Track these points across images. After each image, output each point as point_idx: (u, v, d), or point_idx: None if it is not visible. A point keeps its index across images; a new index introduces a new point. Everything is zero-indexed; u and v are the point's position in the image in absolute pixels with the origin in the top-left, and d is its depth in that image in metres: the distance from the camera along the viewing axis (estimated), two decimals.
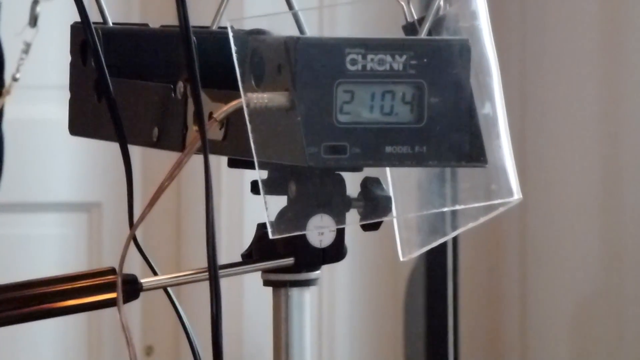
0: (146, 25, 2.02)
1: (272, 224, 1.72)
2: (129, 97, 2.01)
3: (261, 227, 1.77)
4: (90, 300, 1.76)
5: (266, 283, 1.85)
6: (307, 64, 1.72)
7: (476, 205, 1.90)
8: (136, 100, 2.00)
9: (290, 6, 1.83)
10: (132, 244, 1.70)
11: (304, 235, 1.78)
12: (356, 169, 1.86)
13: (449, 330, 3.11)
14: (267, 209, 1.67)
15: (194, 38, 1.70)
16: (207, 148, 1.66)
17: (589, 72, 3.43)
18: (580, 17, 3.48)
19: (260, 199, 1.74)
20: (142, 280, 1.76)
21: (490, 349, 3.57)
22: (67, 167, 3.04)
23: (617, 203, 3.29)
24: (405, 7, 1.89)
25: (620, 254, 3.19)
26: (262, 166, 1.73)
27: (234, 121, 1.69)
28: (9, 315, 1.87)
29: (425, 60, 1.74)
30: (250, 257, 1.86)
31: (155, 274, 1.72)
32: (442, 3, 1.89)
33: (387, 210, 1.87)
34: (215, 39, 1.84)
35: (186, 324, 1.84)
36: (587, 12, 3.48)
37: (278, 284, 1.86)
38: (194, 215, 2.44)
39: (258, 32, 1.86)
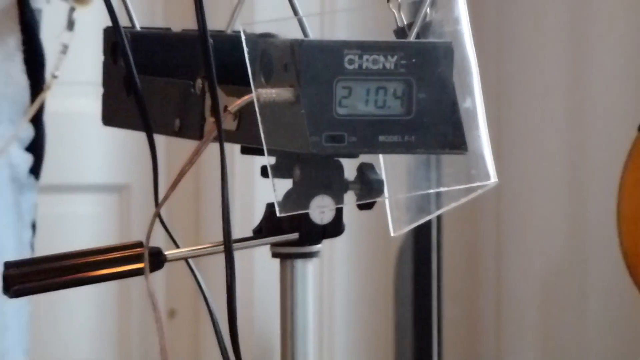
0: (169, 29, 2.02)
1: (279, 203, 1.73)
2: (154, 92, 2.01)
3: (270, 206, 1.79)
4: (120, 269, 1.77)
5: (274, 255, 1.86)
6: (310, 63, 1.72)
7: (458, 187, 1.91)
8: (160, 94, 2.00)
9: (295, 12, 1.83)
10: (157, 220, 1.71)
11: (307, 214, 1.79)
12: (353, 155, 1.86)
13: (433, 293, 3.10)
14: (275, 190, 1.69)
15: (211, 40, 1.71)
16: (222, 137, 1.67)
17: (557, 71, 3.45)
18: (548, 23, 3.49)
19: (269, 182, 1.76)
20: (166, 253, 1.77)
21: (469, 310, 3.59)
22: (100, 154, 3.05)
23: (581, 186, 3.30)
24: (396, 13, 1.89)
25: (584, 229, 3.20)
26: (270, 153, 1.74)
27: (246, 113, 1.71)
28: (50, 282, 1.87)
29: (413, 60, 1.74)
30: (260, 232, 1.87)
31: (177, 247, 1.75)
32: (428, 10, 1.89)
33: (380, 192, 1.87)
34: (230, 41, 1.84)
35: (204, 291, 1.84)
36: (555, 19, 3.48)
37: (284, 256, 1.87)
38: (211, 195, 2.43)
39: (267, 35, 1.87)
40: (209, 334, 1.95)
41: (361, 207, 1.86)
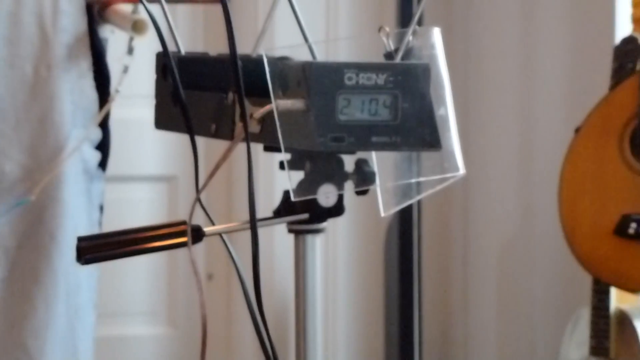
0: (206, 53, 2.04)
1: (293, 190, 1.76)
2: (195, 103, 2.01)
3: (286, 192, 1.81)
4: (169, 242, 1.83)
5: (290, 231, 1.88)
6: (317, 80, 1.73)
7: (434, 177, 1.92)
8: (200, 105, 2.01)
9: (305, 39, 1.83)
10: (197, 204, 1.72)
11: (315, 198, 1.81)
12: (351, 152, 1.88)
13: (414, 261, 3.06)
14: (290, 180, 1.76)
15: (240, 62, 1.71)
16: (248, 138, 1.69)
17: (511, 85, 3.49)
18: (505, 46, 3.48)
19: (285, 173, 1.78)
20: (204, 229, 1.79)
21: (444, 273, 3.65)
22: (153, 151, 3.09)
23: (530, 177, 3.34)
24: (385, 41, 1.89)
25: (531, 211, 3.25)
26: (286, 150, 1.76)
27: (267, 119, 1.73)
28: (114, 253, 1.88)
29: (399, 77, 1.76)
30: (278, 213, 1.89)
31: (213, 224, 1.79)
32: (411, 38, 1.90)
33: (372, 181, 1.89)
34: (254, 63, 1.84)
35: (235, 259, 1.85)
36: (510, 42, 3.47)
37: (298, 232, 1.89)
38: (240, 184, 2.43)
39: (284, 58, 1.88)
40: (239, 294, 1.95)
41: (358, 193, 1.88)
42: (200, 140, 1.99)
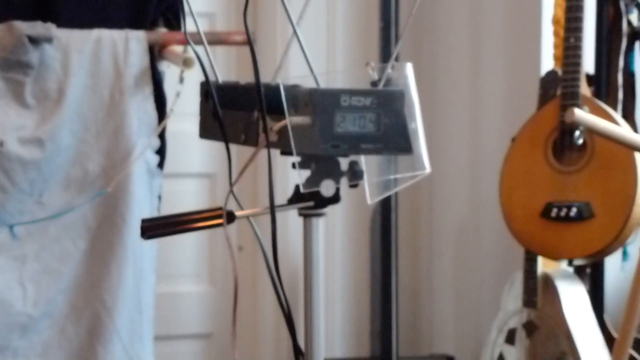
0: (238, 82, 2.02)
1: (302, 184, 1.76)
2: (229, 119, 2.01)
3: (297, 186, 1.80)
4: (209, 223, 1.87)
5: (300, 215, 1.88)
6: (320, 102, 1.72)
7: (407, 175, 1.91)
8: (232, 120, 2.01)
9: (311, 71, 1.81)
10: (230, 195, 1.72)
11: (319, 190, 1.80)
12: (345, 156, 1.87)
13: (392, 237, 3.04)
14: (300, 176, 1.80)
15: (262, 89, 1.70)
16: (269, 146, 1.68)
17: (462, 102, 3.49)
18: (459, 73, 3.47)
19: (296, 171, 1.79)
20: (236, 213, 1.79)
21: (414, 246, 3.63)
22: (198, 155, 3.15)
23: (478, 174, 3.32)
24: (371, 72, 1.88)
25: (479, 197, 3.24)
26: (298, 154, 1.75)
27: (283, 131, 1.72)
28: (169, 230, 1.87)
29: (381, 100, 1.75)
30: (291, 201, 1.88)
31: (242, 209, 1.81)
32: (390, 70, 1.90)
33: (361, 177, 1.89)
34: (273, 89, 1.83)
35: (259, 236, 1.90)
36: (462, 69, 3.47)
37: (306, 215, 1.89)
38: (263, 179, 2.44)
39: (295, 86, 1.87)
40: (262, 262, 1.96)
41: (351, 186, 1.88)
42: (232, 147, 1.99)
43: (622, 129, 2.49)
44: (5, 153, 2.21)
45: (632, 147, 2.44)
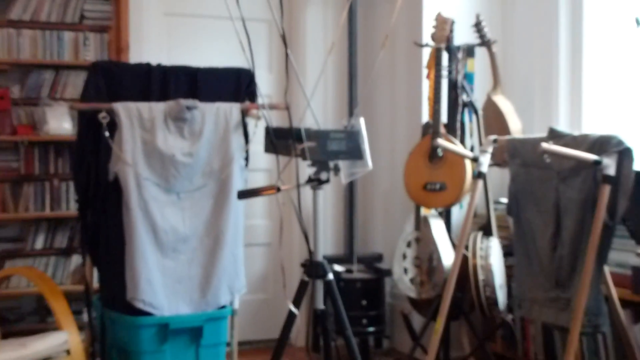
0: (282, 127, 2.09)
1: (312, 174, 1.80)
2: (278, 143, 2.04)
3: (309, 176, 1.85)
4: (268, 192, 1.84)
5: (311, 188, 1.95)
6: (320, 136, 1.79)
7: (360, 169, 1.96)
8: (280, 144, 2.05)
9: (316, 122, 1.87)
10: (279, 180, 1.76)
11: (319, 177, 1.85)
12: (332, 160, 1.92)
13: (355, 198, 3.01)
14: (310, 170, 1.75)
15: (294, 130, 1.74)
16: (297, 157, 1.71)
17: (386, 134, 3.26)
18: (383, 116, 3.28)
19: (309, 168, 1.81)
20: (282, 187, 1.83)
21: (366, 208, 3.42)
22: (263, 160, 2.92)
23: (394, 163, 3.12)
24: (345, 122, 1.91)
25: (395, 178, 3.05)
26: (310, 160, 1.80)
27: (304, 149, 1.77)
28: (249, 195, 1.94)
29: (348, 135, 1.81)
30: (307, 182, 1.94)
31: (284, 184, 1.76)
32: (352, 121, 1.93)
33: (339, 170, 1.95)
34: (299, 130, 1.88)
35: (293, 199, 1.87)
36: (384, 114, 3.28)
37: (314, 188, 1.95)
38: (294, 172, 2.44)
39: (308, 128, 1.92)
40: (293, 212, 1.99)
41: (335, 174, 1.94)
42: (281, 157, 2.05)
43: (458, 148, 2.57)
44: (176, 160, 2.20)
45: (462, 157, 2.54)
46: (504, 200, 2.50)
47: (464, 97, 2.66)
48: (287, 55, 1.98)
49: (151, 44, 2.92)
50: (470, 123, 2.70)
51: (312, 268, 1.92)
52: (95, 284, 2.24)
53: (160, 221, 2.14)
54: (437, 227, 2.67)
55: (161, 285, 2.16)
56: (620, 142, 1.96)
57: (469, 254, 2.51)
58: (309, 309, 2.68)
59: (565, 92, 2.73)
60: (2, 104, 2.57)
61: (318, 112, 3.01)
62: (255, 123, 2.31)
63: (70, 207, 2.73)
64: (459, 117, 2.68)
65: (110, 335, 2.17)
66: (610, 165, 1.92)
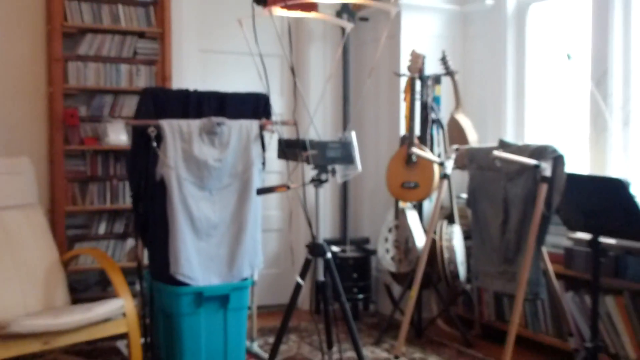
0: (291, 138, 2.02)
1: (314, 175, 1.77)
2: (289, 150, 2.01)
3: (312, 176, 1.82)
4: (281, 189, 1.79)
5: (314, 186, 1.89)
6: (321, 146, 1.77)
7: (351, 171, 1.95)
8: (289, 151, 2.02)
9: (317, 135, 1.84)
10: (289, 180, 1.70)
11: (321, 177, 1.82)
12: (330, 164, 1.90)
13: (348, 193, 2.98)
14: (313, 172, 1.72)
15: (301, 141, 1.69)
16: (302, 162, 1.68)
17: (372, 143, 3.16)
18: (369, 131, 3.14)
19: (313, 171, 1.78)
20: (291, 186, 1.78)
21: (356, 197, 3.28)
22: (276, 164, 2.85)
23: (378, 164, 3.01)
24: (340, 135, 1.88)
25: (379, 178, 2.94)
26: (313, 163, 1.77)
27: (308, 156, 1.74)
28: (265, 192, 1.89)
29: (342, 144, 1.79)
30: (311, 181, 1.91)
31: (293, 183, 1.71)
32: (345, 134, 1.89)
33: (335, 172, 1.92)
34: (304, 141, 1.84)
35: (300, 195, 1.85)
36: (369, 131, 3.13)
37: (316, 186, 1.91)
38: (300, 174, 2.39)
39: (312, 139, 1.90)
40: (299, 205, 1.95)
41: (332, 176, 1.91)
42: (290, 162, 2.02)
43: (428, 155, 2.55)
44: (208, 164, 2.15)
45: (431, 162, 2.52)
46: (464, 195, 2.50)
47: (433, 116, 2.67)
48: (294, 83, 2.00)
49: (189, 74, 2.92)
50: (438, 135, 2.70)
51: (315, 249, 1.93)
52: (145, 261, 2.25)
53: (196, 212, 2.11)
54: (412, 216, 2.66)
55: (197, 262, 2.12)
56: (554, 150, 1.99)
57: (437, 238, 2.52)
58: (312, 280, 2.76)
59: (512, 111, 2.78)
60: (72, 121, 2.59)
61: (319, 127, 3.00)
62: (270, 135, 2.27)
63: (126, 201, 2.72)
64: (429, 131, 2.68)
65: (157, 301, 2.17)
66: (547, 168, 1.96)
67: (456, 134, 2.67)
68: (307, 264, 1.94)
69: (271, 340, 2.47)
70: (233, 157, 2.18)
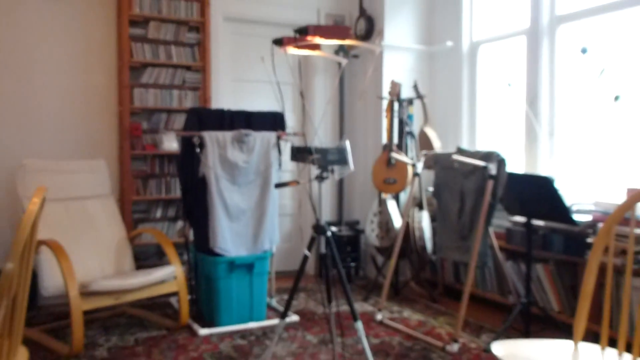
0: (300, 145, 1.96)
1: (317, 174, 1.71)
2: (299, 155, 1.95)
3: (316, 174, 1.77)
4: (292, 184, 1.69)
5: (318, 181, 1.82)
6: (323, 152, 1.71)
7: (346, 170, 1.90)
8: (299, 156, 1.95)
9: (320, 143, 1.78)
10: (298, 176, 1.62)
11: (322, 175, 1.77)
12: (330, 165, 1.84)
13: (344, 190, 2.88)
14: (318, 172, 1.64)
15: (308, 148, 1.65)
16: (309, 164, 1.62)
17: (363, 149, 3.01)
18: (362, 136, 2.99)
19: (316, 170, 1.73)
20: (300, 181, 1.68)
21: (347, 188, 3.09)
22: (290, 165, 2.70)
23: (366, 164, 2.85)
24: (337, 143, 1.82)
25: (365, 175, 2.77)
26: (317, 164, 1.71)
27: (314, 159, 1.67)
28: (280, 186, 1.81)
29: (339, 150, 1.72)
30: (315, 178, 1.85)
31: (302, 179, 1.64)
32: (340, 143, 1.83)
33: (333, 172, 1.86)
34: (309, 148, 1.78)
35: (308, 189, 1.78)
36: (361, 136, 2.98)
37: (319, 181, 1.84)
38: (308, 172, 2.32)
39: (317, 147, 1.82)
40: (306, 196, 1.90)
41: (332, 174, 1.87)
42: (300, 164, 1.95)
43: (404, 158, 2.52)
44: (239, 165, 2.13)
45: (406, 163, 2.47)
46: (431, 188, 2.52)
47: (407, 129, 2.66)
48: (303, 104, 1.96)
49: (224, 97, 2.93)
50: (411, 144, 2.70)
51: (318, 228, 1.87)
52: (191, 237, 2.28)
53: (229, 200, 2.08)
54: (391, 205, 2.64)
55: (229, 238, 2.10)
56: (499, 155, 2.03)
57: (410, 220, 2.52)
58: (317, 252, 2.79)
59: (466, 125, 2.80)
60: (136, 132, 2.62)
61: (321, 137, 2.95)
62: (285, 143, 2.37)
63: (177, 192, 2.74)
64: (404, 141, 2.67)
65: (200, 268, 2.18)
66: (493, 169, 1.99)
67: (425, 142, 2.65)
68: (312, 240, 1.91)
69: (285, 297, 2.49)
70: (257, 159, 2.15)
